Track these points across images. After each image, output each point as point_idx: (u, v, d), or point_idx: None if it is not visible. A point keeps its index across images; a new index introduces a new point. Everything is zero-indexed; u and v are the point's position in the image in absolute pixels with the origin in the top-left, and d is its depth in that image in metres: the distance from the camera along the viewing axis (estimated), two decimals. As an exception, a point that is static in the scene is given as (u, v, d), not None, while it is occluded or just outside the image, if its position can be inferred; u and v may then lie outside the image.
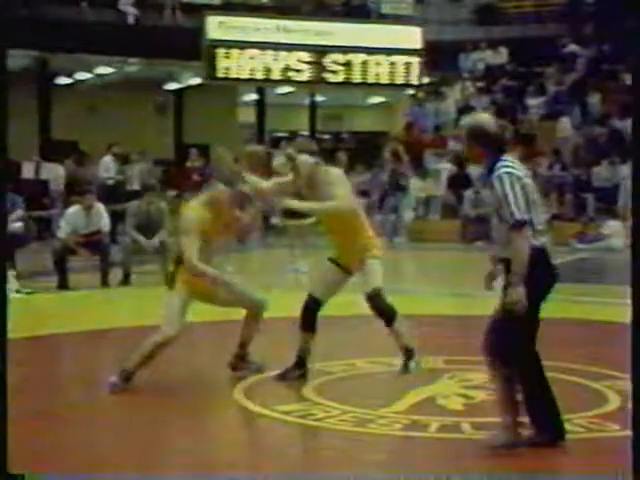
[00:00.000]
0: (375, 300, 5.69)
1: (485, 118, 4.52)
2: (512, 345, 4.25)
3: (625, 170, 17.09)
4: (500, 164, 4.24)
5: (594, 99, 19.15)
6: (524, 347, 4.31)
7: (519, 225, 4.13)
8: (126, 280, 10.61)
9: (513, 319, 4.18)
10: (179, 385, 5.85)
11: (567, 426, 4.67)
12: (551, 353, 5.70)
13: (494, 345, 4.28)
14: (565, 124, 18.57)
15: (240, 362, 5.90)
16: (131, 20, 19.11)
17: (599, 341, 7.21)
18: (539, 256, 4.20)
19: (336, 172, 5.82)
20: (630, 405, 5.15)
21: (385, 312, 5.73)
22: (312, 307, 5.69)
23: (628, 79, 19.46)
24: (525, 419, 4.30)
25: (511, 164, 4.26)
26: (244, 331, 5.89)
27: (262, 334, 7.16)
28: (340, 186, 5.63)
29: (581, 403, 5.09)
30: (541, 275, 4.22)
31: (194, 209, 5.66)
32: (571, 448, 4.43)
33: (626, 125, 18.27)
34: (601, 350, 6.74)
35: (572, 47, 20.72)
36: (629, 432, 4.60)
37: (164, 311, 5.60)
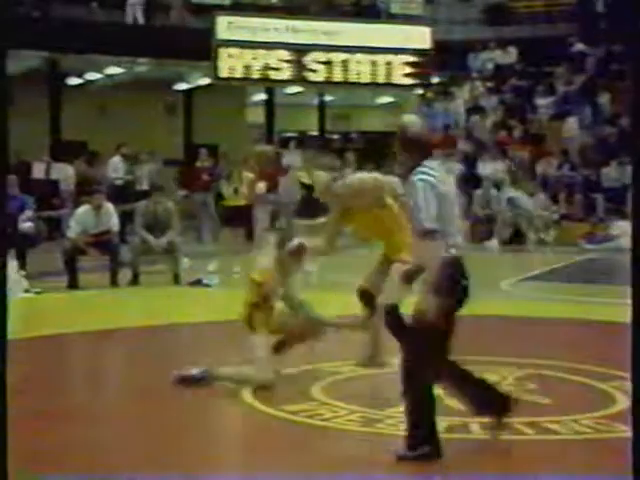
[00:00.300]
0: (387, 316, 5.50)
1: (408, 120, 4.32)
2: (420, 355, 4.15)
3: (635, 170, 17.07)
4: (418, 169, 4.13)
5: (603, 99, 19.11)
6: (436, 357, 4.19)
7: (428, 233, 4.05)
8: (135, 280, 10.64)
9: (423, 328, 4.09)
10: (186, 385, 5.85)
11: (574, 426, 4.68)
12: (559, 353, 5.72)
13: (406, 353, 4.24)
14: (572, 124, 18.52)
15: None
16: (140, 20, 19.17)
17: (607, 341, 7.19)
18: (451, 267, 4.11)
19: (352, 182, 5.84)
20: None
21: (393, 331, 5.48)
22: None
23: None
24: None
25: (428, 170, 4.14)
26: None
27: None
28: (356, 198, 5.67)
29: (588, 404, 5.09)
30: (452, 287, 4.10)
31: None
32: (579, 448, 4.43)
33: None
34: (609, 350, 6.71)
35: (581, 47, 20.66)
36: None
37: (252, 355, 5.57)
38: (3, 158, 2.72)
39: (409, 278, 4.58)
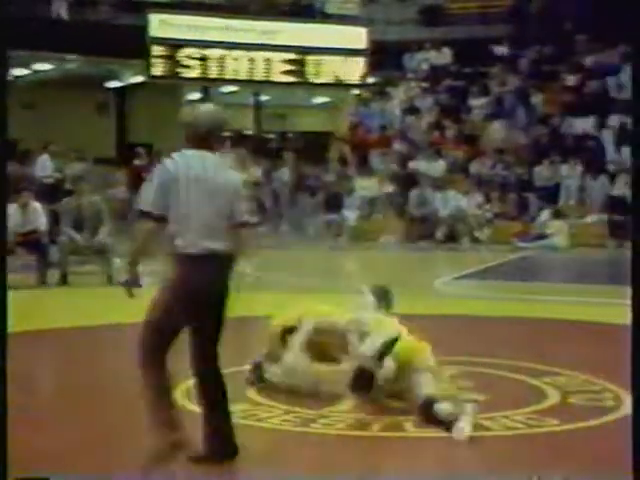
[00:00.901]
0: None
1: (188, 111, 4.10)
2: (144, 348, 4.00)
3: (565, 170, 17.37)
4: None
5: (536, 99, 19.42)
6: (156, 354, 4.00)
7: (139, 216, 3.90)
8: (64, 280, 10.42)
9: (148, 319, 3.97)
10: (119, 386, 5.74)
11: (506, 422, 4.70)
12: (493, 350, 5.76)
13: (139, 345, 4.10)
14: (498, 127, 18.71)
15: None
16: (63, 15, 18.75)
17: (540, 338, 7.28)
18: (184, 264, 3.89)
19: None
20: (572, 400, 5.22)
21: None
22: None
23: (569, 80, 19.80)
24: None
25: (176, 157, 3.91)
26: None
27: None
28: None
29: (520, 400, 5.13)
30: (183, 284, 3.90)
31: None
32: (510, 444, 4.45)
33: (567, 125, 18.57)
34: (541, 347, 6.80)
35: (504, 50, 20.98)
36: (565, 427, 4.66)
37: None
38: (3, 158, 2.69)
39: None
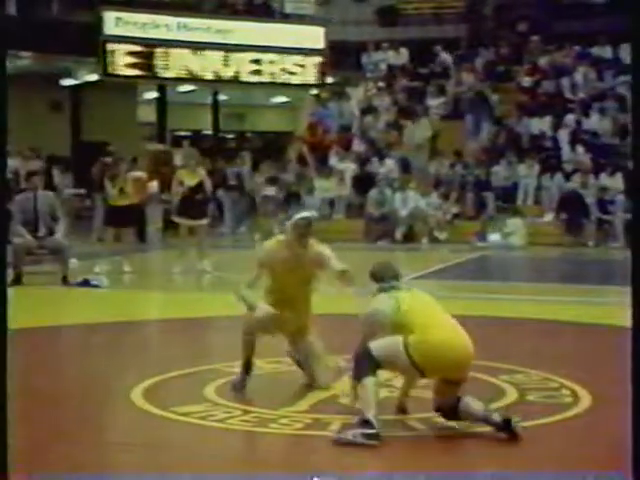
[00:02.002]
0: None
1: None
2: None
3: (523, 169, 17.54)
4: None
5: (492, 100, 19.57)
6: None
7: None
8: (18, 280, 10.25)
9: None
10: (75, 389, 5.67)
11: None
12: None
13: None
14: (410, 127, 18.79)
15: None
16: (11, 11, 18.41)
17: (499, 337, 7.32)
18: None
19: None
20: (529, 397, 5.26)
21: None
22: None
23: (524, 80, 20.00)
24: None
25: None
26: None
27: (171, 334, 7.01)
28: None
29: (479, 398, 5.14)
30: None
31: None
32: (471, 442, 4.46)
33: (523, 125, 18.75)
34: (501, 345, 6.84)
35: (447, 57, 21.14)
36: (525, 424, 4.69)
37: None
38: (3, 158, 2.65)
39: None
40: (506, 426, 4.34)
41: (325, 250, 5.26)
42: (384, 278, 4.78)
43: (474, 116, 19.32)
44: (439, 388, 4.57)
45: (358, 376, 4.46)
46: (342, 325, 7.47)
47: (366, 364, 4.43)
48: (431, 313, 4.58)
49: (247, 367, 5.43)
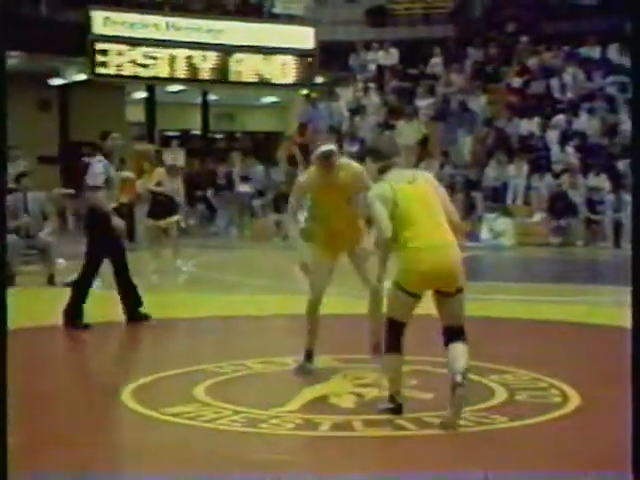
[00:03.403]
0: None
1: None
2: None
3: (512, 169, 17.58)
4: None
5: (481, 100, 19.62)
6: None
7: None
8: (10, 281, 10.21)
9: None
10: (64, 390, 5.65)
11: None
12: (443, 349, 5.77)
13: None
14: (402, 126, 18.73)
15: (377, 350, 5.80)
16: None
17: (489, 337, 7.33)
18: None
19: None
20: (519, 397, 5.27)
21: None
22: None
23: (513, 81, 20.05)
24: None
25: None
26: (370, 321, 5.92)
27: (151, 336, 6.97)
28: None
29: (469, 397, 5.15)
30: None
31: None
32: (461, 441, 4.47)
33: (513, 125, 18.80)
34: (491, 345, 6.84)
35: (438, 61, 21.17)
36: (513, 424, 4.70)
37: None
38: (3, 157, 2.65)
39: None
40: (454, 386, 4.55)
41: (360, 172, 5.87)
42: (390, 155, 4.98)
43: (462, 117, 19.35)
44: (438, 302, 4.79)
45: (387, 350, 4.82)
46: (336, 325, 7.48)
47: (393, 338, 4.76)
48: (420, 217, 4.68)
49: (309, 354, 5.86)
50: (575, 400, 5.16)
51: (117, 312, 7.98)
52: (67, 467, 4.08)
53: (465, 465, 4.15)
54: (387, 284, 5.06)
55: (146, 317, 7.83)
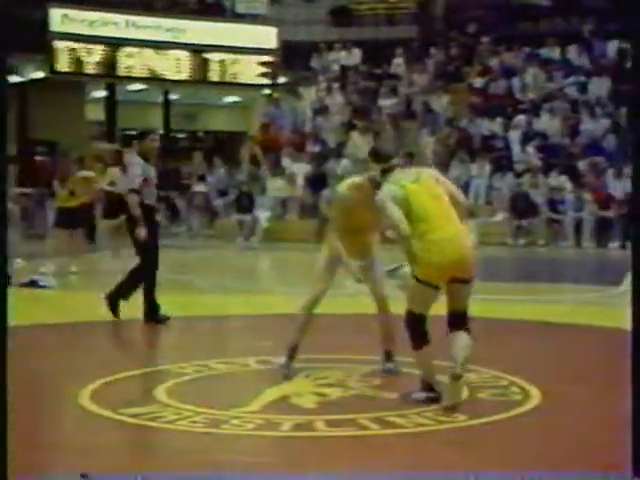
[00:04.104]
0: None
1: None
2: None
3: (474, 169, 17.67)
4: None
5: (443, 101, 19.71)
6: None
7: None
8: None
9: None
10: (20, 391, 5.54)
11: (418, 419, 4.72)
12: (406, 349, 5.77)
13: None
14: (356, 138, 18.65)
15: (385, 358, 5.82)
16: None
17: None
18: None
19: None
20: (480, 395, 5.28)
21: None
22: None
23: (475, 81, 20.17)
24: None
25: None
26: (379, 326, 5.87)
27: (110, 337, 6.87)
28: None
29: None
30: None
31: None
32: (422, 440, 4.46)
33: (475, 125, 18.90)
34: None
35: (400, 62, 21.24)
36: (474, 422, 4.71)
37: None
38: (3, 156, 2.60)
39: None
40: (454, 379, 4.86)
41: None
42: (390, 157, 5.20)
43: (425, 117, 19.42)
44: (449, 289, 4.97)
45: (415, 346, 4.97)
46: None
47: (417, 332, 4.94)
48: (428, 208, 4.91)
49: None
50: (535, 398, 5.18)
51: (74, 312, 7.88)
52: (21, 469, 4.00)
53: (426, 464, 4.14)
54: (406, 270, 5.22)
55: (166, 319, 7.77)
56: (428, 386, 5.01)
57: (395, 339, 5.82)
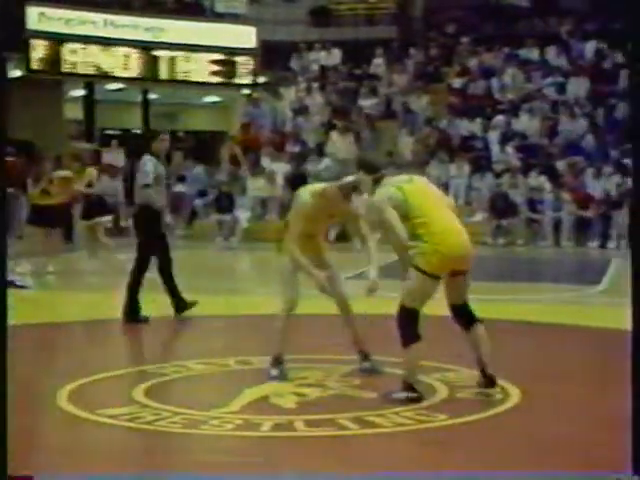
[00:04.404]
0: None
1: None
2: None
3: (453, 169, 17.72)
4: None
5: (422, 101, 19.74)
6: None
7: None
8: None
9: None
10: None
11: (397, 419, 4.72)
12: (386, 348, 5.77)
13: None
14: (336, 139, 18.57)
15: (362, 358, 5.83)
16: None
17: (432, 335, 7.33)
18: None
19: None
20: (460, 394, 5.28)
21: None
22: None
23: (454, 82, 20.23)
24: None
25: None
26: (347, 329, 5.88)
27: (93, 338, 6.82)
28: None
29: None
30: None
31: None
32: (401, 440, 4.46)
33: (454, 126, 18.95)
34: (433, 343, 6.84)
35: (380, 63, 21.25)
36: (454, 421, 4.71)
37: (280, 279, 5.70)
38: (3, 155, 2.58)
39: None
40: (489, 382, 5.17)
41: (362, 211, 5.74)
42: (380, 168, 5.32)
43: (406, 117, 19.44)
44: (448, 282, 5.13)
45: (405, 343, 4.99)
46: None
47: (409, 328, 4.97)
48: (426, 205, 5.08)
49: None
50: (515, 397, 5.19)
51: (52, 313, 7.82)
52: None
53: (406, 463, 4.13)
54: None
55: (145, 319, 7.82)
56: (409, 386, 5.01)
57: (364, 339, 5.80)
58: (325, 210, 5.58)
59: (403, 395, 4.99)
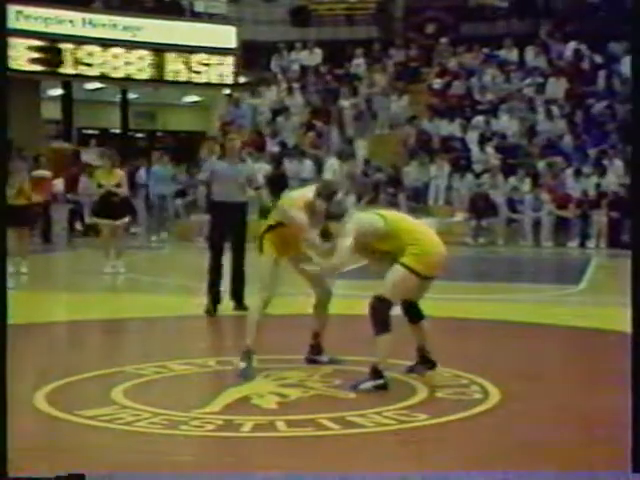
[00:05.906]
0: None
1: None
2: None
3: (433, 170, 17.75)
4: None
5: (403, 101, 19.77)
6: None
7: None
8: None
9: None
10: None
11: (378, 419, 4.71)
12: (364, 349, 5.76)
13: None
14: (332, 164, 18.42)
15: (315, 353, 5.93)
16: None
17: (411, 334, 7.34)
18: None
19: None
20: (439, 394, 5.28)
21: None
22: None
23: (434, 82, 20.27)
24: None
25: None
26: (315, 321, 5.94)
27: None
28: None
29: (391, 396, 5.16)
30: None
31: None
32: (383, 440, 4.45)
33: (434, 126, 18.99)
34: (413, 343, 6.85)
35: (360, 63, 21.26)
36: (434, 421, 4.71)
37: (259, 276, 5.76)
38: (3, 157, 2.56)
39: None
40: (433, 365, 5.55)
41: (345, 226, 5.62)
42: (336, 192, 5.64)
43: (386, 116, 19.46)
44: (421, 286, 5.39)
45: (379, 331, 5.20)
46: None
47: (383, 317, 5.19)
48: (410, 225, 5.47)
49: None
50: (495, 396, 5.20)
51: (27, 314, 7.76)
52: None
53: (387, 463, 4.13)
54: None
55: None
56: (376, 372, 5.21)
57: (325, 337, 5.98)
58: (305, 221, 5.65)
59: (370, 384, 5.17)
